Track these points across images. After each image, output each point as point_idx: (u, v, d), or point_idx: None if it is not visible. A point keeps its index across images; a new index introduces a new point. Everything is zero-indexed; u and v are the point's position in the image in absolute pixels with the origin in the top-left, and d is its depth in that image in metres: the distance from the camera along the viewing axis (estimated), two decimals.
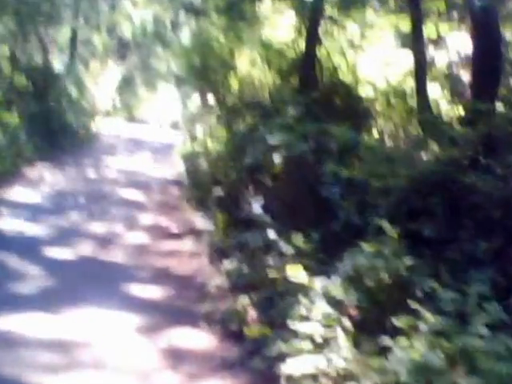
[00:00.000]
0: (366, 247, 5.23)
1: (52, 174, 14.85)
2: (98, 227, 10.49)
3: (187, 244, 9.88)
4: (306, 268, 5.76)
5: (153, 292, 7.55)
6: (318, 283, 5.32)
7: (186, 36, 24.05)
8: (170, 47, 28.00)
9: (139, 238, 10.23)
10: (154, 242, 10.05)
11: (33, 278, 7.53)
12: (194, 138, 15.81)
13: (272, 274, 6.10)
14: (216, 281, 7.63)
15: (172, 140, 24.02)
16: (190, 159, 15.48)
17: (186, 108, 27.29)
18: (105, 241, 9.72)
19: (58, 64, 23.08)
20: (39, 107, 18.04)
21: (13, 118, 15.87)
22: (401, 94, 10.86)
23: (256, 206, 6.64)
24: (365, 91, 11.74)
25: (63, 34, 24.03)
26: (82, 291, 7.15)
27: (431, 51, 11.12)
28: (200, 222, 11.22)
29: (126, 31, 26.66)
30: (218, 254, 8.69)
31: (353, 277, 5.12)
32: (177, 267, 8.66)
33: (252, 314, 6.43)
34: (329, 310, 5.01)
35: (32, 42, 20.71)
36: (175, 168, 17.34)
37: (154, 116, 32.54)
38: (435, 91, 10.80)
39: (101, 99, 26.21)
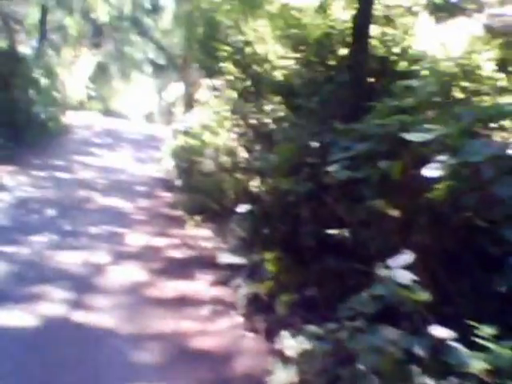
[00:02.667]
0: None
1: (15, 178, 11.03)
2: (71, 258, 6.80)
3: (203, 284, 6.29)
4: None
5: None
6: None
7: (167, 18, 20.28)
8: (148, 33, 24.21)
9: (131, 273, 6.58)
10: (154, 281, 6.41)
11: None
12: (186, 131, 12.11)
13: None
14: (279, 376, 4.03)
15: (152, 132, 20.31)
16: (181, 156, 11.84)
17: (171, 97, 23.54)
18: (82, 284, 6.06)
19: (25, 48, 19.09)
20: (2, 97, 14.20)
21: None
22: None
23: (395, 262, 3.08)
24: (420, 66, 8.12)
25: (31, 14, 19.98)
26: None
27: None
28: (214, 246, 7.66)
29: (102, 15, 22.60)
30: (262, 312, 5.12)
31: None
32: (197, 336, 5.05)
33: None
34: None
35: None
36: (160, 164, 13.65)
37: (130, 107, 28.71)
38: None
39: (73, 89, 22.22)
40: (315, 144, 4.85)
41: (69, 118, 19.09)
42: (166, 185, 12.04)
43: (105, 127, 19.81)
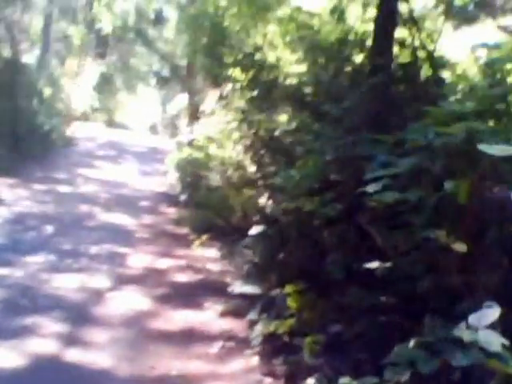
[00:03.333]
0: None
1: (14, 191, 10.37)
2: (67, 282, 6.11)
3: (212, 315, 5.58)
4: None
5: None
6: None
7: (171, 27, 19.56)
8: (153, 44, 23.44)
9: (133, 301, 5.88)
10: (158, 311, 5.71)
11: None
12: (190, 143, 11.44)
13: None
14: None
15: (156, 144, 19.64)
16: (186, 169, 11.17)
17: (175, 109, 22.81)
18: (78, 314, 5.36)
19: (28, 58, 18.46)
20: (4, 106, 13.56)
21: None
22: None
23: (478, 320, 2.39)
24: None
25: (35, 24, 19.32)
26: None
27: None
28: (222, 269, 6.98)
29: (106, 25, 21.90)
30: (281, 352, 4.41)
31: None
32: (207, 380, 4.34)
33: None
34: None
35: None
36: (164, 178, 12.96)
37: (134, 119, 28.02)
38: None
39: (77, 100, 21.56)
40: (344, 158, 4.15)
41: (72, 129, 18.43)
42: (170, 199, 11.36)
43: (108, 139, 19.16)
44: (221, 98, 9.10)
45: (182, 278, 6.80)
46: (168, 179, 12.45)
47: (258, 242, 5.57)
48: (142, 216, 10.01)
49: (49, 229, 8.18)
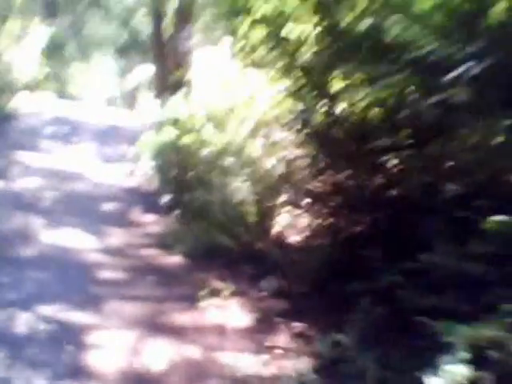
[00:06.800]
0: None
1: None
2: None
3: None
4: None
5: None
6: None
7: None
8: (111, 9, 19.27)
9: None
10: None
11: None
12: (176, 121, 7.48)
13: None
14: None
15: (117, 120, 15.47)
16: (170, 158, 7.31)
17: (135, 80, 18.77)
18: None
19: None
20: None
21: None
22: None
23: None
24: None
25: None
26: None
27: None
28: (278, 374, 3.23)
29: None
30: None
31: None
32: None
33: None
34: None
35: None
36: (135, 166, 8.92)
37: (89, 91, 23.73)
38: None
39: (21, 68, 17.18)
40: None
41: (14, 101, 14.17)
42: (146, 200, 7.49)
43: (59, 113, 14.89)
44: (240, 52, 5.22)
45: None
46: (140, 169, 8.53)
47: None
48: (108, 231, 6.12)
49: None
